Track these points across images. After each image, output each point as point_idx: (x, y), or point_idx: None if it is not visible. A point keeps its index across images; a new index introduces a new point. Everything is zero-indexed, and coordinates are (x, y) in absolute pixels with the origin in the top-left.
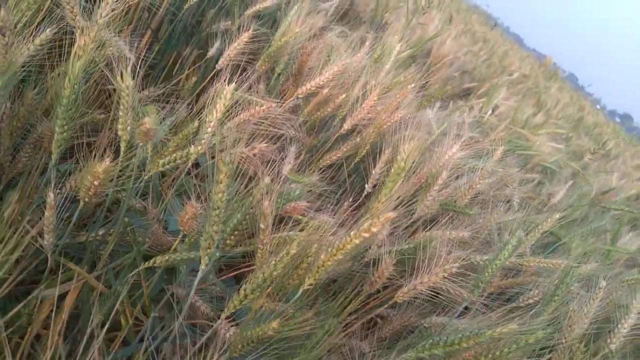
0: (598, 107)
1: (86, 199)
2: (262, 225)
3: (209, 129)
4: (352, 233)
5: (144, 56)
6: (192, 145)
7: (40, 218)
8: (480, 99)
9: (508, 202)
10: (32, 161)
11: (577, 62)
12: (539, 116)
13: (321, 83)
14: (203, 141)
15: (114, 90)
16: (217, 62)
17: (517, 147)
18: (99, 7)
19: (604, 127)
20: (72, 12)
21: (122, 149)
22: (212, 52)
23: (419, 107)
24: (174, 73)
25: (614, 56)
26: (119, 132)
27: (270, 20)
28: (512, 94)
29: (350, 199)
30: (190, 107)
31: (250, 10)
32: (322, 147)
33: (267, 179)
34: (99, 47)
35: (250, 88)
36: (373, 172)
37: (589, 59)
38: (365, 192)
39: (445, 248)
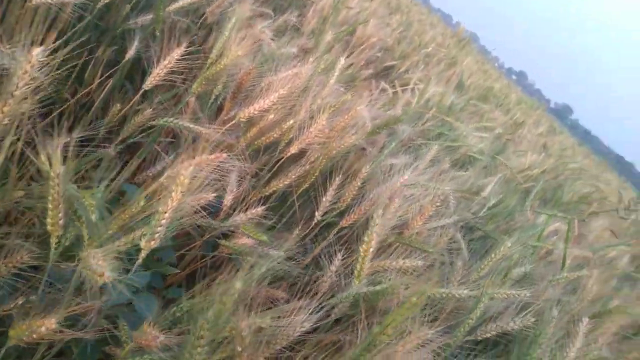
0: (496, 65)
1: (19, 343)
2: (238, 348)
3: (163, 221)
4: None
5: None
6: (143, 240)
7: None
8: (404, 84)
9: (444, 200)
10: None
11: (478, 21)
12: (460, 97)
13: (266, 107)
14: (157, 235)
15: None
16: (136, 63)
17: (446, 139)
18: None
19: (511, 95)
20: None
21: (52, 244)
22: (130, 53)
23: (370, 133)
24: (86, 76)
25: (510, 15)
26: (49, 228)
27: (198, 17)
28: (430, 68)
29: (300, 227)
30: (116, 140)
31: (173, 6)
32: (267, 173)
33: (238, 284)
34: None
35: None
36: (323, 199)
37: (488, 20)
38: (315, 220)
39: (402, 284)
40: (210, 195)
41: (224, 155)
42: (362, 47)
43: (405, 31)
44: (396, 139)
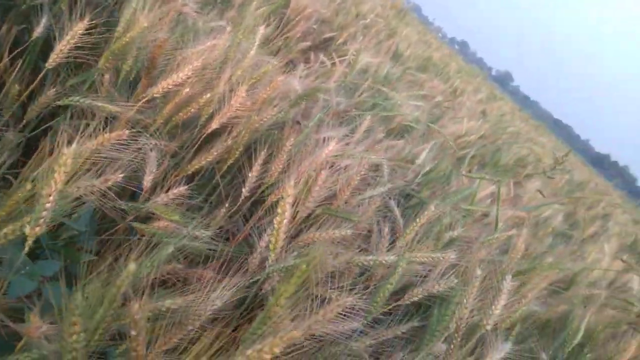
0: (439, 35)
1: None
2: (133, 332)
3: (48, 205)
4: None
5: None
6: (27, 226)
7: None
8: (342, 55)
9: (377, 170)
10: None
11: None
12: (397, 67)
13: (180, 81)
14: (42, 221)
15: None
16: (50, 41)
17: (381, 109)
18: None
19: (451, 64)
20: None
21: None
22: (39, 31)
23: (292, 104)
24: None
25: None
26: None
27: None
28: (369, 39)
29: (227, 205)
30: (16, 124)
31: None
32: (189, 151)
33: (132, 266)
34: None
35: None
36: (250, 175)
37: None
38: (242, 197)
39: (331, 253)
40: (118, 176)
41: (126, 132)
42: (297, 19)
43: (344, 2)
44: (324, 111)
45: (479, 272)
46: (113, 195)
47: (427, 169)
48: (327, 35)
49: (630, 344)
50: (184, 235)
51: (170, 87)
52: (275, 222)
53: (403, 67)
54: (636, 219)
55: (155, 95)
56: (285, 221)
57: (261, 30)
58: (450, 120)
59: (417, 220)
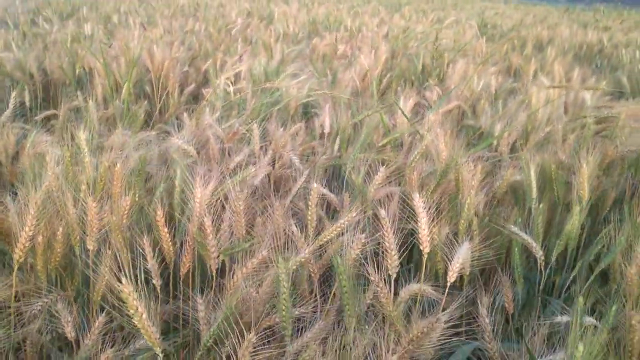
0: None
1: None
2: None
3: None
4: None
5: None
6: None
7: None
8: (227, 77)
9: (292, 166)
10: None
11: None
12: (276, 58)
13: (29, 235)
14: None
15: None
16: None
17: (272, 104)
18: None
19: (339, 7)
20: None
21: None
22: None
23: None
24: None
25: None
26: None
27: None
28: (247, 43)
29: None
30: None
31: None
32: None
33: None
34: None
35: None
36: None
37: None
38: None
39: (253, 285)
40: None
41: None
42: (163, 75)
43: (209, 26)
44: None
45: (383, 213)
46: None
47: (334, 130)
48: (204, 67)
49: (582, 171)
50: None
51: (25, 246)
52: (136, 322)
53: (283, 50)
54: (585, 22)
55: (20, 260)
56: (143, 316)
57: (82, 136)
58: (346, 67)
59: (310, 202)
